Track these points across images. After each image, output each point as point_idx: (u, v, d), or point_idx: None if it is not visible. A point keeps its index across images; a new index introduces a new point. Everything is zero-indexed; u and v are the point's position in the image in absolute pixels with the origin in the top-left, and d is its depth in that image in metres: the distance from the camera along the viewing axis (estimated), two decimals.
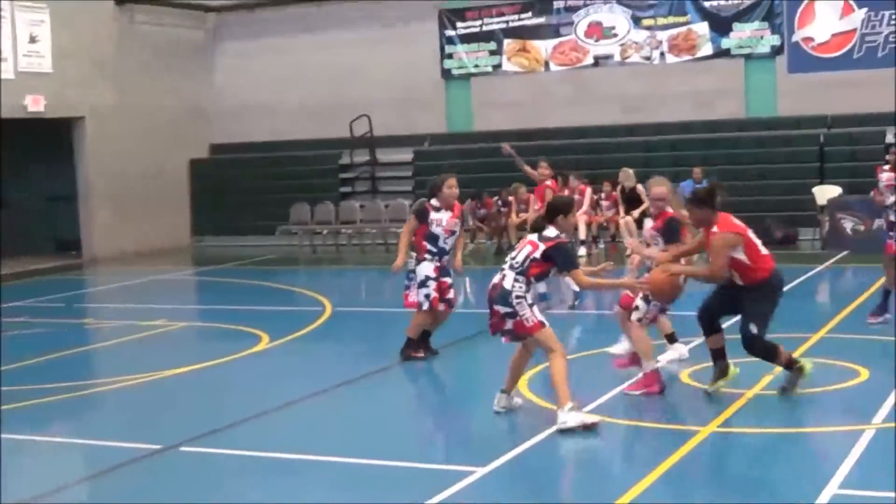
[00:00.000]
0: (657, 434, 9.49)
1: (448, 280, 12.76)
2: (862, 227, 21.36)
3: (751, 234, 10.33)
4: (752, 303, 10.24)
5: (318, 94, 28.32)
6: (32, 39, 24.88)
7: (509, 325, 9.90)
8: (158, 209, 27.85)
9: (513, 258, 10.02)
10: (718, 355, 10.55)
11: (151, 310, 17.78)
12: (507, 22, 26.97)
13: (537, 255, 9.82)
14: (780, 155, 24.27)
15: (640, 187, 22.42)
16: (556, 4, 26.53)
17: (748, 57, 25.23)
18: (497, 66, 27.16)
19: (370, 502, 8.20)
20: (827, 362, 11.56)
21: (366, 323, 16.39)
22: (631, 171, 22.89)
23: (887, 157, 15.37)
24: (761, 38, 25.02)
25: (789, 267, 19.49)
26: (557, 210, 10.01)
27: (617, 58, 26.17)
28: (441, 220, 12.64)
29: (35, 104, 24.84)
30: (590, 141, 25.83)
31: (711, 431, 9.38)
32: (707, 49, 25.43)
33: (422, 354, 12.83)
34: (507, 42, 26.97)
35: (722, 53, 25.37)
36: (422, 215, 12.69)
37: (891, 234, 13.99)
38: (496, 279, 10.01)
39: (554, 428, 9.49)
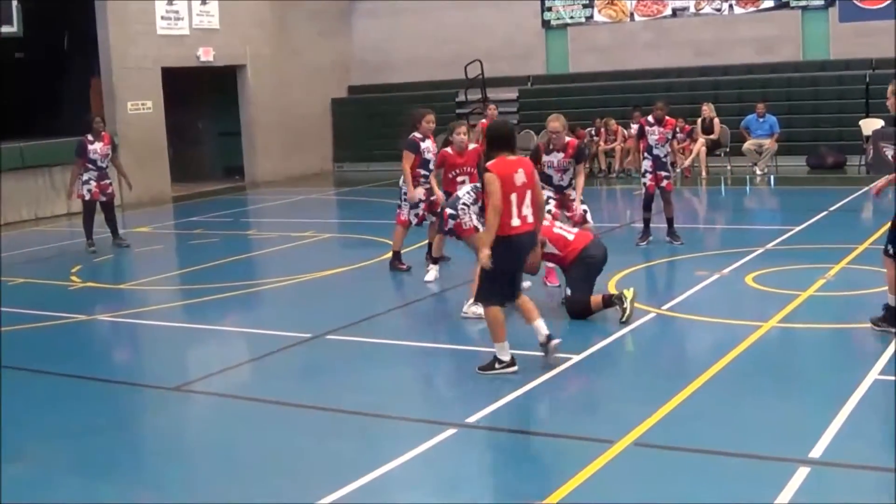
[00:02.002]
0: (726, 328, 9.36)
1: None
2: None
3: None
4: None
5: (437, 44, 28.12)
6: (204, 1, 25.04)
7: (451, 225, 10.08)
8: (306, 140, 28.00)
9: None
10: None
11: (302, 223, 17.94)
12: None
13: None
14: (832, 92, 23.66)
15: (716, 120, 22.43)
16: None
17: (805, 8, 24.45)
18: (589, 18, 26.71)
19: (489, 382, 8.24)
20: (870, 269, 11.31)
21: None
22: (712, 105, 22.81)
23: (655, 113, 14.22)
24: None
25: (839, 188, 19.12)
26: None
27: (692, 9, 25.56)
28: (429, 148, 12.50)
29: (206, 55, 25.05)
30: (667, 80, 25.34)
31: (772, 326, 9.25)
32: (769, 2, 24.69)
33: (405, 267, 12.78)
34: None
35: (782, 5, 24.59)
36: (414, 147, 12.39)
37: (672, 175, 14.22)
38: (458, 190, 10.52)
39: (629, 326, 9.45)
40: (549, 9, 27.11)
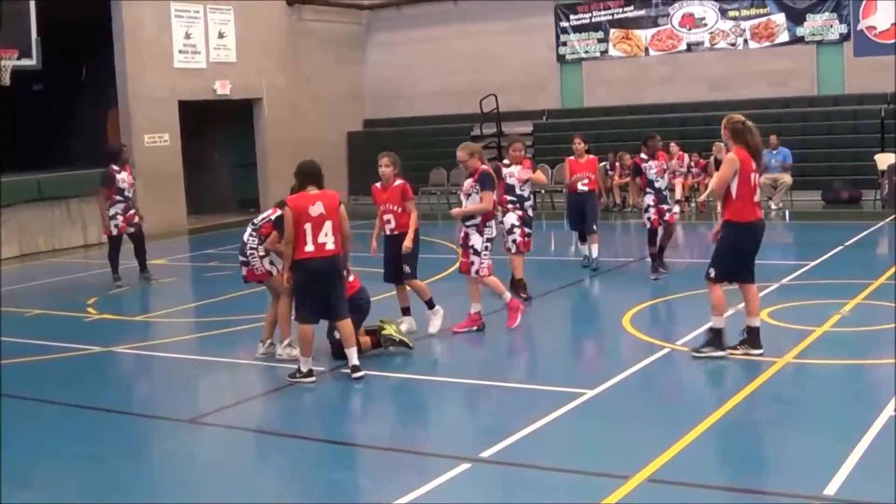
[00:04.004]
0: (742, 364, 9.34)
1: (527, 229, 12.71)
2: None
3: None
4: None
5: (453, 77, 28.34)
6: (221, 35, 25.28)
7: (244, 272, 10.37)
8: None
9: (255, 218, 10.41)
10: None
11: None
12: (612, 14, 26.65)
13: (273, 217, 10.07)
14: (847, 127, 23.69)
15: None
16: None
17: (819, 43, 24.55)
18: (604, 52, 26.88)
19: (503, 417, 8.25)
20: (886, 304, 11.29)
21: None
22: (723, 145, 22.70)
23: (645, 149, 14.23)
24: (831, 26, 24.33)
25: (854, 223, 19.10)
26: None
27: (706, 44, 25.70)
28: (513, 172, 12.64)
29: (223, 88, 25.27)
30: (681, 115, 25.44)
31: (787, 362, 9.24)
32: (784, 36, 24.83)
33: (525, 296, 12.64)
34: (612, 31, 26.67)
35: (797, 40, 24.73)
36: (497, 173, 12.54)
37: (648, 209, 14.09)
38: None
39: (643, 362, 9.44)
40: (564, 43, 27.31)
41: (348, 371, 9.32)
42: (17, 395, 9.38)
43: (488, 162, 11.58)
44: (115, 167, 15.59)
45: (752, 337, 9.42)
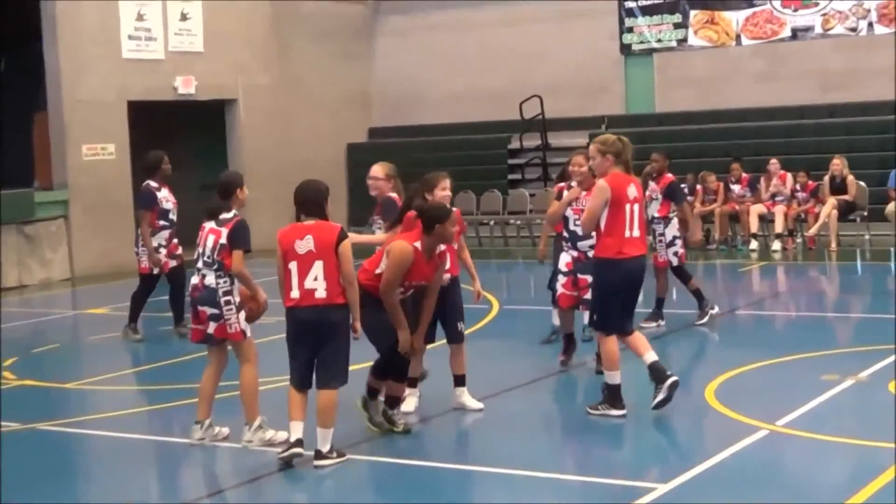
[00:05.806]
0: (864, 451, 9.25)
1: (588, 277, 11.79)
2: None
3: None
4: None
5: (485, 73, 28.41)
6: (184, 17, 25.45)
7: (211, 328, 9.96)
8: None
9: (203, 256, 10.02)
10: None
11: None
12: None
13: (223, 240, 9.90)
14: None
15: (850, 177, 22.15)
16: None
17: None
18: (682, 41, 26.91)
19: None
20: None
21: (536, 322, 16.25)
22: (845, 158, 22.51)
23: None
24: None
25: None
26: (231, 189, 10.22)
27: (818, 29, 25.63)
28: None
29: (186, 86, 25.42)
30: (785, 123, 25.42)
31: None
32: None
33: (562, 357, 12.64)
34: (693, 13, 26.69)
35: None
36: (558, 196, 12.48)
37: (657, 246, 14.72)
38: (195, 281, 10.08)
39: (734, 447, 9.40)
40: (630, 29, 27.32)
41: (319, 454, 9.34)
42: None
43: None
44: (154, 183, 15.30)
45: (611, 395, 10.34)
